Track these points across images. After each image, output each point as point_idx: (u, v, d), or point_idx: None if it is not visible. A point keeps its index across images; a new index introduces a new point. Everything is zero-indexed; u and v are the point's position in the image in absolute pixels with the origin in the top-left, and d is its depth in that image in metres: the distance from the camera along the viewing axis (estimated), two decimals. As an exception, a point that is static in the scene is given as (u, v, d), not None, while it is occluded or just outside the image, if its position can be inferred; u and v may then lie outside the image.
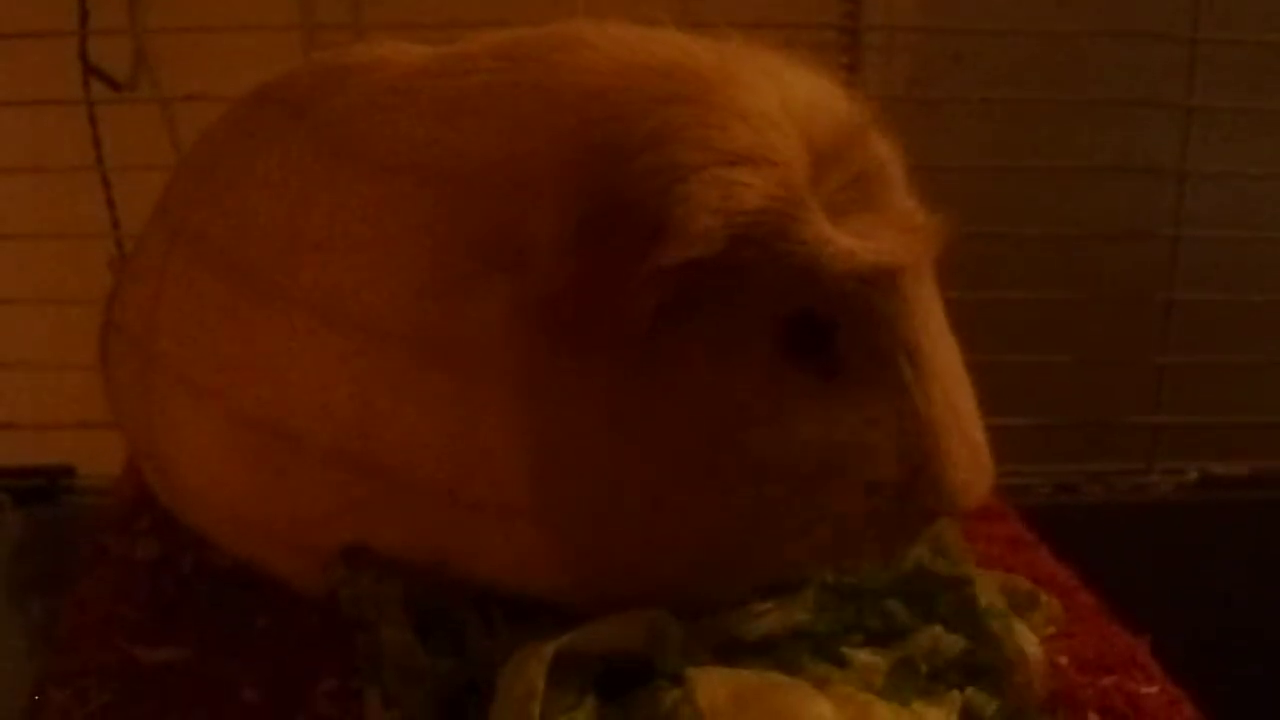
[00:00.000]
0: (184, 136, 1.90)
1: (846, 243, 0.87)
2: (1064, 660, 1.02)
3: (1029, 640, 0.97)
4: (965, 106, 2.03)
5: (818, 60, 0.95)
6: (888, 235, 0.89)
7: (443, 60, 0.98)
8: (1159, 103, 1.99)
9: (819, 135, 0.88)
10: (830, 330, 0.88)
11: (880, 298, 0.88)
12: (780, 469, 0.87)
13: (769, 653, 0.87)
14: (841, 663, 0.88)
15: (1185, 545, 1.92)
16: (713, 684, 0.81)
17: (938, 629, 0.92)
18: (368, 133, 0.96)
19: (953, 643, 0.92)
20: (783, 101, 0.88)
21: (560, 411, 0.86)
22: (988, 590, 0.99)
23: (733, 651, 0.87)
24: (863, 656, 0.89)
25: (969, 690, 0.89)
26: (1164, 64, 1.99)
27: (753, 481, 0.87)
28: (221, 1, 1.89)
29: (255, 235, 0.99)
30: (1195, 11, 1.90)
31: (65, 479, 1.97)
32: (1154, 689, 1.01)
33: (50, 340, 1.75)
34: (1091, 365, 1.97)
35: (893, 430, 0.89)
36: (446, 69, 0.97)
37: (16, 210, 1.90)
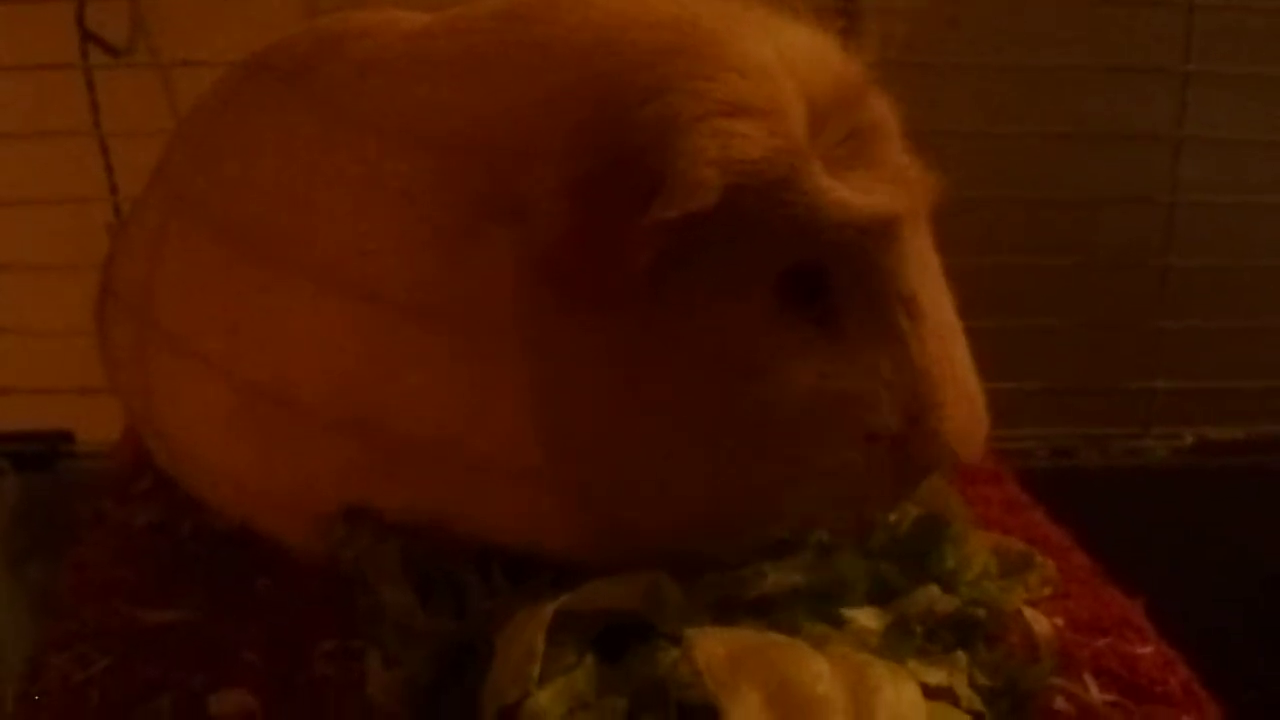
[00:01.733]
0: (182, 102, 1.89)
1: (843, 193, 0.88)
2: (1059, 621, 1.02)
3: (1038, 619, 0.97)
4: (961, 72, 2.02)
5: (815, 21, 0.95)
6: (884, 189, 0.89)
7: (441, 22, 0.98)
8: (1155, 68, 1.99)
9: (817, 90, 0.88)
10: (827, 281, 0.89)
11: (877, 248, 0.90)
12: (779, 418, 0.87)
13: (766, 613, 0.88)
14: (838, 623, 0.89)
15: (1181, 509, 1.93)
16: (710, 643, 0.81)
17: (934, 589, 0.93)
18: (366, 97, 0.96)
19: (948, 602, 0.92)
20: (781, 55, 0.88)
21: (564, 365, 0.86)
22: (982, 552, 1.00)
23: (730, 612, 0.87)
24: (859, 617, 0.89)
25: (965, 652, 0.90)
26: (1161, 29, 1.98)
27: (754, 430, 0.87)
28: (219, -33, 1.89)
29: (254, 202, 0.99)
30: (1191, -25, 1.90)
31: (64, 444, 1.97)
32: (1148, 650, 1.02)
33: (49, 305, 1.75)
34: (1088, 330, 1.97)
35: (890, 380, 0.90)
36: (445, 30, 0.97)
37: (14, 176, 1.89)
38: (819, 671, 0.80)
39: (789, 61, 0.89)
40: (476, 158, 0.89)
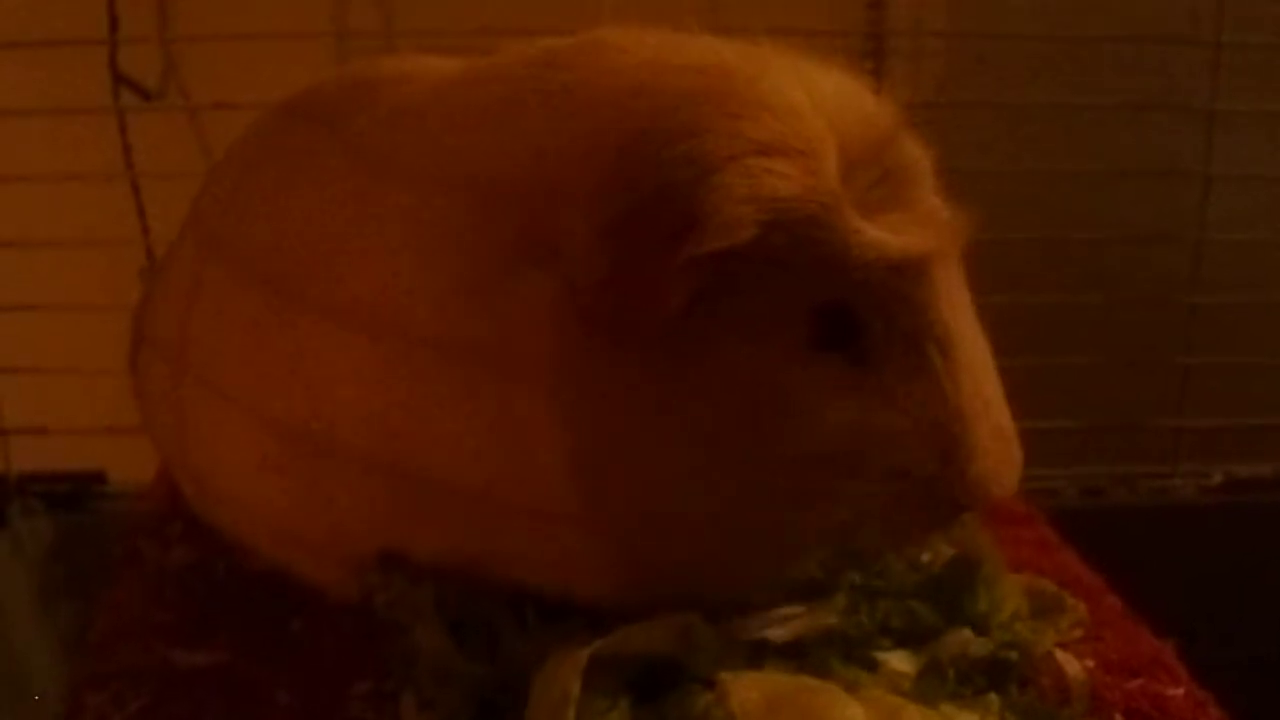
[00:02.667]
0: (214, 145, 1.91)
1: (875, 233, 0.88)
2: (1091, 663, 1.02)
3: (1070, 661, 0.98)
4: (988, 111, 2.03)
5: (844, 64, 0.96)
6: (915, 229, 0.90)
7: (473, 71, 0.99)
8: (1183, 106, 1.99)
9: (848, 132, 0.89)
10: (859, 319, 0.89)
11: (910, 286, 0.90)
12: (813, 455, 0.88)
13: (799, 657, 0.88)
14: (871, 666, 0.89)
15: (1210, 547, 1.92)
16: (745, 687, 0.81)
17: (966, 632, 0.93)
18: (400, 144, 0.97)
19: (981, 645, 0.93)
20: (812, 97, 0.89)
21: (599, 406, 0.87)
22: (1015, 594, 1.00)
23: (763, 655, 0.87)
24: (892, 660, 0.90)
25: (998, 695, 0.90)
26: (1188, 67, 1.99)
27: (788, 467, 0.88)
28: (251, 10, 1.90)
29: (289, 247, 1.00)
30: (1219, 15, 1.90)
31: (96, 485, 1.97)
32: (1180, 691, 1.02)
33: (81, 347, 1.76)
34: (1116, 368, 1.97)
35: (922, 418, 0.90)
36: (477, 78, 0.98)
37: (47, 218, 1.90)
38: (853, 716, 0.80)
39: (820, 103, 0.89)
40: (511, 201, 0.90)
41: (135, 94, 1.99)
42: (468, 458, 0.91)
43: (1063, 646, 1.00)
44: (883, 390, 0.90)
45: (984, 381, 0.94)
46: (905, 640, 0.92)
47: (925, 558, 0.98)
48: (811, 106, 0.89)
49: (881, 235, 0.88)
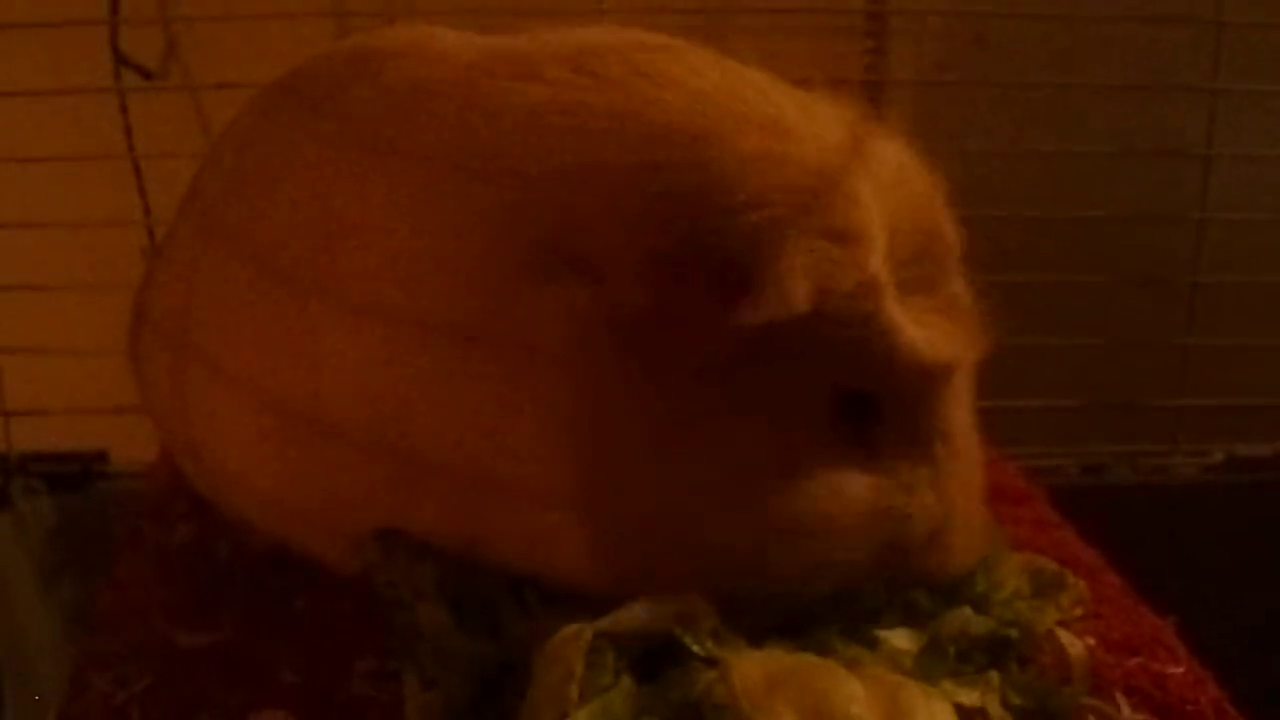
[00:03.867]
0: (215, 125, 1.91)
1: (914, 335, 0.90)
2: (1091, 641, 1.02)
3: (1072, 642, 0.98)
4: (988, 91, 2.03)
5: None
6: (944, 325, 0.93)
7: (504, 58, 0.98)
8: (1184, 86, 1.99)
9: (898, 212, 0.90)
10: (878, 407, 0.91)
11: (930, 388, 0.93)
12: (816, 519, 0.89)
13: (800, 635, 0.88)
14: (872, 644, 0.89)
15: (1210, 526, 1.93)
16: (746, 665, 0.82)
17: (967, 610, 0.93)
18: (418, 124, 0.96)
19: (981, 623, 0.93)
20: (870, 171, 0.90)
21: (611, 416, 0.87)
22: (1015, 572, 1.00)
23: (764, 633, 0.88)
24: (893, 639, 0.90)
25: (998, 672, 0.90)
26: (1189, 47, 1.98)
27: (789, 524, 0.89)
28: (252, -10, 1.90)
29: (289, 225, 1.00)
30: (1220, -7, 1.90)
31: (98, 464, 1.98)
32: (1180, 669, 1.02)
33: (82, 326, 1.76)
34: (1117, 347, 1.97)
35: (923, 501, 0.93)
36: (512, 70, 0.97)
37: (49, 198, 1.91)
38: (853, 693, 0.81)
39: (876, 176, 0.90)
40: (540, 202, 0.89)
41: (136, 74, 1.99)
42: (469, 441, 0.91)
43: (1063, 624, 1.01)
44: (892, 474, 0.92)
45: (972, 468, 0.98)
46: (904, 623, 0.92)
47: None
48: (870, 181, 0.90)
49: (919, 339, 0.90)
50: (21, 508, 1.92)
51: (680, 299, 0.85)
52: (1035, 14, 2.00)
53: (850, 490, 0.90)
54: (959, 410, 0.96)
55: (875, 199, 0.89)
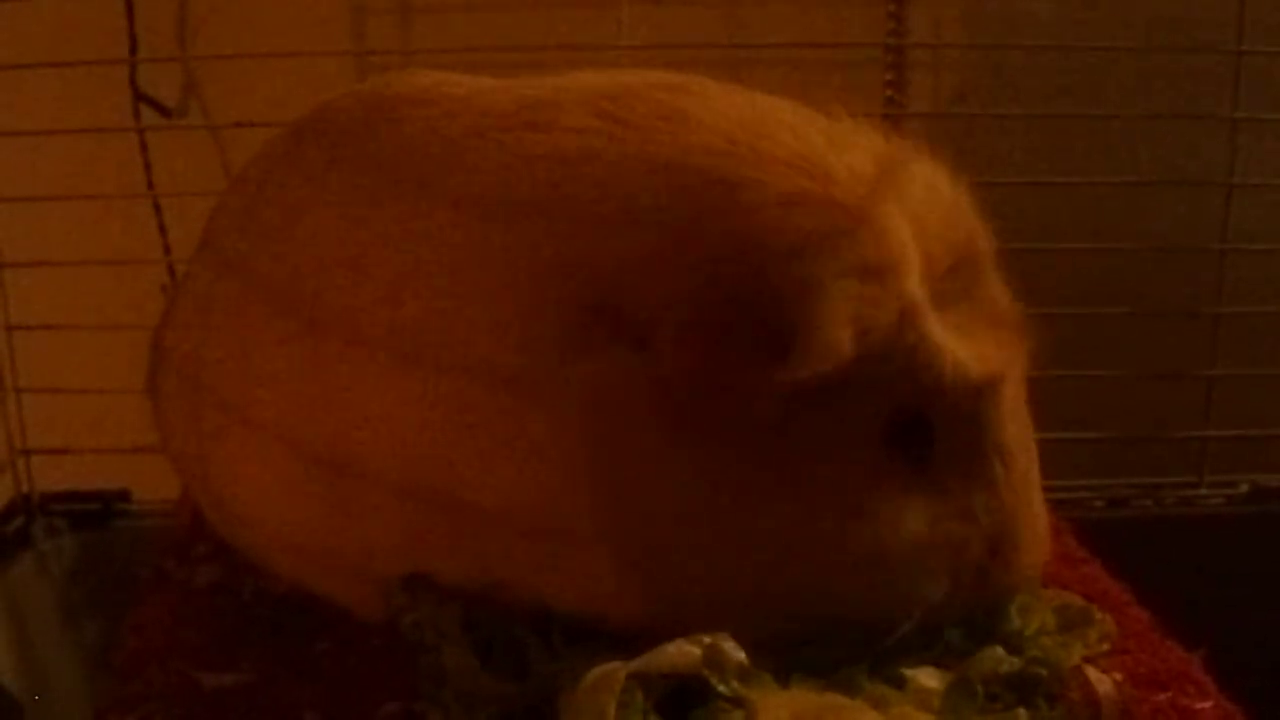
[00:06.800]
0: (234, 163, 1.91)
1: (959, 354, 0.90)
2: (1118, 676, 1.02)
3: (1101, 680, 0.97)
4: (1007, 122, 2.03)
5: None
6: (986, 334, 0.92)
7: (527, 105, 0.98)
8: (1205, 115, 1.99)
9: (931, 231, 0.90)
10: (933, 429, 0.91)
11: (983, 405, 0.92)
12: (873, 556, 0.89)
13: (827, 673, 0.88)
14: (899, 683, 0.89)
15: (1236, 558, 1.92)
16: (773, 706, 0.81)
17: (999, 650, 0.93)
18: (445, 169, 0.96)
19: (1012, 663, 0.93)
20: (901, 197, 0.90)
21: (658, 476, 0.87)
22: (1042, 608, 1.00)
23: (790, 673, 0.87)
24: (920, 677, 0.89)
25: (1026, 710, 0.90)
26: (1209, 77, 1.98)
27: (843, 565, 0.89)
28: (271, 28, 1.91)
29: (309, 269, 1.00)
30: (1240, 24, 1.89)
31: (120, 503, 1.98)
32: (1208, 704, 1.01)
33: (103, 365, 1.76)
34: (1141, 379, 1.96)
35: (982, 523, 0.92)
36: (537, 119, 0.96)
37: (69, 237, 1.91)
38: (881, 734, 0.80)
39: (907, 202, 0.90)
40: (580, 261, 0.89)
41: (156, 112, 1.99)
42: (504, 488, 0.91)
43: (1090, 660, 1.00)
44: (949, 498, 0.92)
45: (1031, 481, 0.97)
46: (938, 665, 0.92)
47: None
48: (901, 208, 0.89)
49: (964, 356, 0.90)
50: (43, 547, 1.92)
51: (725, 362, 0.85)
52: (1054, 46, 2.00)
53: (904, 522, 0.90)
54: (1014, 423, 0.95)
55: (906, 220, 0.89)
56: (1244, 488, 2.02)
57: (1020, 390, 0.97)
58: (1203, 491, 2.01)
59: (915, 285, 0.88)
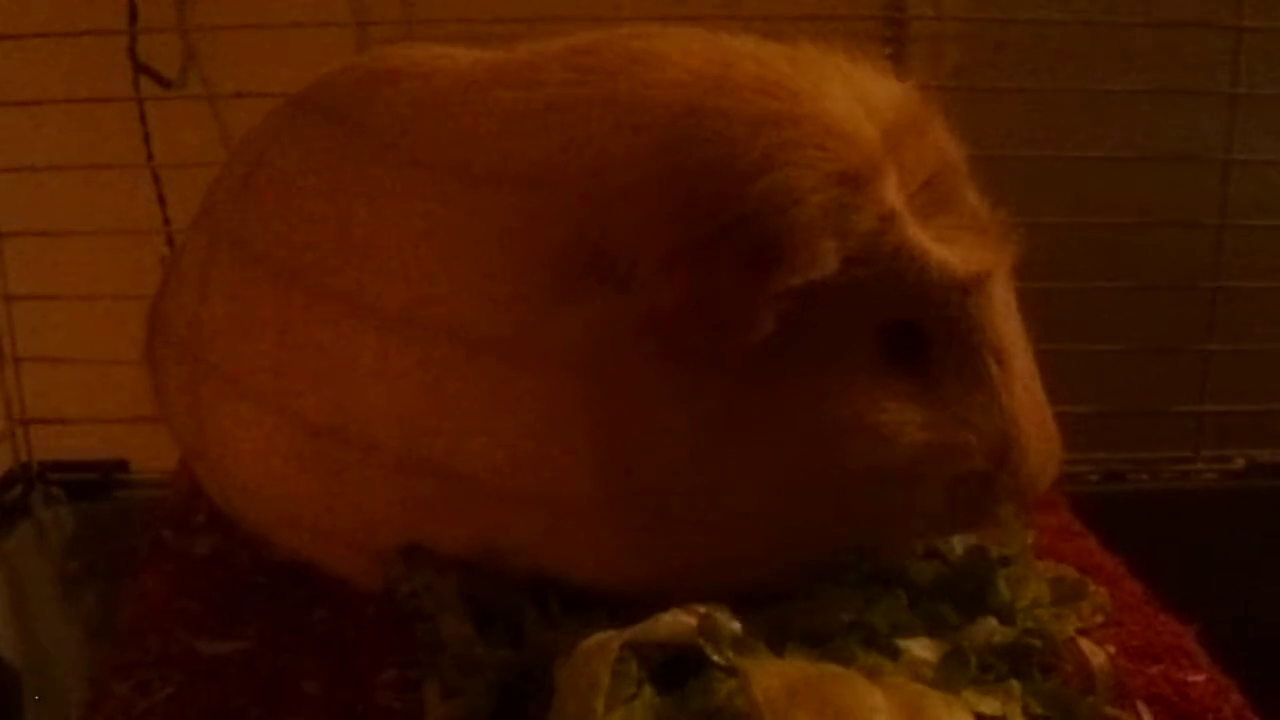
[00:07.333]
0: (234, 133, 1.91)
1: (943, 254, 0.91)
2: (1112, 649, 1.02)
3: (1095, 652, 0.98)
4: (1008, 96, 2.02)
5: (865, 51, 0.96)
6: (969, 239, 0.93)
7: (507, 69, 0.99)
8: (1204, 91, 1.98)
9: (901, 141, 0.91)
10: (925, 335, 0.92)
11: (973, 304, 0.93)
12: (876, 470, 0.90)
13: (821, 644, 0.88)
14: (893, 654, 0.89)
15: (1231, 532, 1.92)
16: (767, 675, 0.81)
17: (992, 621, 0.93)
18: (434, 138, 0.97)
19: (1004, 634, 0.93)
20: (867, 110, 0.90)
21: (650, 414, 0.88)
22: (1036, 580, 1.00)
23: (785, 643, 0.88)
24: (914, 648, 0.90)
25: (1020, 681, 0.90)
26: (1209, 52, 1.98)
27: (848, 483, 0.90)
28: (270, -1, 1.90)
29: (305, 241, 1.00)
30: (1240, -1, 1.89)
31: (118, 473, 1.98)
32: (1201, 677, 1.02)
33: (102, 335, 1.76)
34: (1138, 354, 1.96)
35: (981, 427, 0.93)
36: (515, 79, 0.97)
37: (68, 206, 1.91)
38: (875, 703, 0.80)
39: (874, 112, 0.91)
40: (558, 209, 0.90)
41: (155, 83, 1.99)
42: (504, 453, 0.91)
43: (1084, 632, 1.01)
44: (947, 403, 0.93)
45: (1032, 384, 0.97)
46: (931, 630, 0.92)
47: (941, 546, 0.99)
48: (869, 121, 0.90)
49: (948, 256, 0.91)
50: (42, 517, 1.92)
51: (710, 288, 0.85)
52: (1055, 20, 1.99)
53: (903, 431, 0.90)
54: (1007, 324, 0.95)
55: (877, 132, 0.90)
56: (1239, 463, 2.02)
57: (1009, 294, 0.97)
58: (1198, 466, 2.01)
59: (892, 192, 0.89)
